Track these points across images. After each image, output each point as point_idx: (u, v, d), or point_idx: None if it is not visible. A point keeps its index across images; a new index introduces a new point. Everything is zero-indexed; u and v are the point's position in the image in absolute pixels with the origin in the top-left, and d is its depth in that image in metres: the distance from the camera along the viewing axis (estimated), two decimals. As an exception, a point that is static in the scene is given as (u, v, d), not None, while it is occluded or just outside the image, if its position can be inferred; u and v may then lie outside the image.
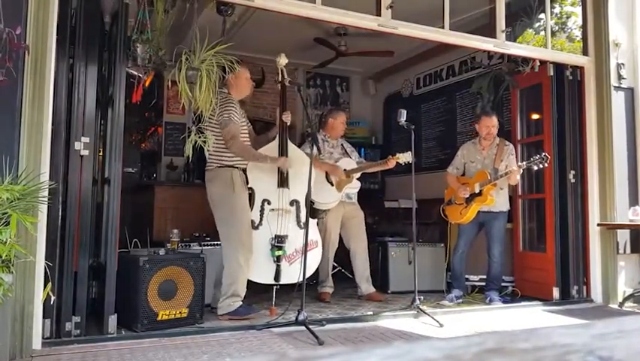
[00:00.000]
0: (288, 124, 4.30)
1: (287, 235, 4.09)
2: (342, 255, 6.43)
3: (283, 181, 4.18)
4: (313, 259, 4.28)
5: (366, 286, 4.90)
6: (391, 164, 4.71)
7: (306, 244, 3.66)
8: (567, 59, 5.11)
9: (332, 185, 4.79)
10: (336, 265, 6.08)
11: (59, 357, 2.87)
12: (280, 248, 4.04)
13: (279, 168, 4.16)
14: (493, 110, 5.10)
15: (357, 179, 4.96)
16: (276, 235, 4.06)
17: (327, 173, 4.78)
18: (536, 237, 5.30)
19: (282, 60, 4.31)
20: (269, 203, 4.13)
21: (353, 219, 4.96)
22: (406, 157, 4.60)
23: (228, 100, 3.95)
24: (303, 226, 4.14)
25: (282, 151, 4.21)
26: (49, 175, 3.05)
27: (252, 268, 3.95)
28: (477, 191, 4.63)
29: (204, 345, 3.16)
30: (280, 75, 4.33)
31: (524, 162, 4.51)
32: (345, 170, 4.82)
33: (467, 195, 4.67)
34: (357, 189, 5.00)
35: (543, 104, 5.07)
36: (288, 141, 4.30)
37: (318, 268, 4.58)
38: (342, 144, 5.04)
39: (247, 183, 4.03)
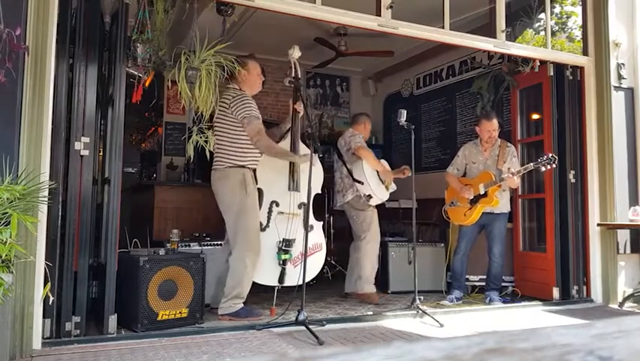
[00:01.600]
0: (301, 114, 4.27)
1: (294, 239, 4.04)
2: (343, 254, 6.44)
3: (293, 184, 4.14)
4: (317, 262, 4.26)
5: (361, 285, 4.90)
6: (406, 174, 4.86)
7: (305, 247, 3.63)
8: (567, 59, 5.11)
9: (383, 183, 4.86)
10: (335, 264, 6.09)
11: (59, 357, 2.87)
12: (287, 252, 3.99)
13: (290, 170, 4.13)
14: (492, 112, 5.09)
15: None
16: (283, 239, 4.02)
17: (378, 171, 4.84)
18: (536, 237, 5.30)
19: (296, 52, 4.22)
20: (277, 205, 4.09)
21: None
22: (408, 171, 4.86)
23: (245, 96, 3.90)
24: (310, 228, 4.09)
25: (294, 145, 4.18)
26: (49, 175, 3.05)
27: (256, 270, 3.92)
28: (482, 192, 4.62)
29: (204, 345, 3.16)
30: (293, 69, 4.23)
31: (532, 164, 4.49)
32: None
33: (472, 197, 4.66)
34: (394, 190, 5.09)
35: (543, 104, 5.07)
36: (301, 143, 4.26)
37: (320, 268, 4.58)
38: None
39: (256, 183, 3.98)
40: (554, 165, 4.44)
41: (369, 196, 4.69)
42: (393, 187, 4.98)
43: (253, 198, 3.89)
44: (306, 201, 4.13)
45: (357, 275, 4.91)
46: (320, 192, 4.36)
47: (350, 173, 4.76)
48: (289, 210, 4.11)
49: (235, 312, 3.78)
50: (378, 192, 4.75)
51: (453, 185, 4.88)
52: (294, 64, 4.25)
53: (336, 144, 8.09)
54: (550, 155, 4.42)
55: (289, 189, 4.14)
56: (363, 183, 4.68)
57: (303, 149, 4.31)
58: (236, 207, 3.84)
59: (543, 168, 4.45)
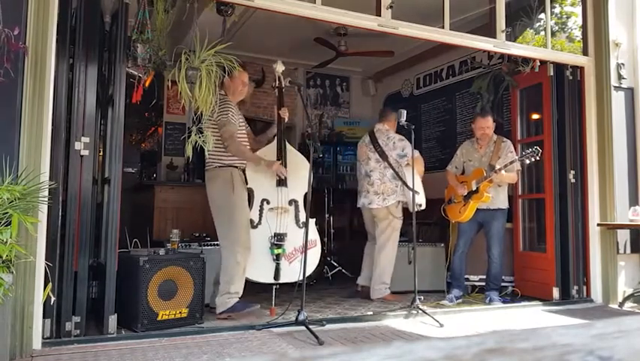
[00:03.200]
0: (286, 120, 4.31)
1: (286, 233, 4.09)
2: (343, 254, 6.44)
3: (281, 180, 4.19)
4: (313, 257, 4.28)
5: (379, 289, 4.89)
6: None
7: (306, 244, 3.66)
8: (567, 59, 5.11)
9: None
10: (335, 264, 6.09)
11: (59, 357, 2.87)
12: (279, 246, 4.04)
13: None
14: (489, 111, 5.10)
15: None
16: (275, 234, 4.06)
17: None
18: (536, 237, 5.30)
19: (279, 67, 4.31)
20: (268, 202, 4.14)
21: None
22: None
23: (226, 101, 3.97)
24: (302, 225, 4.15)
25: (280, 150, 4.22)
26: (49, 175, 3.05)
27: (251, 268, 3.95)
28: (474, 188, 4.64)
29: (204, 345, 3.16)
30: (277, 81, 4.33)
31: (516, 157, 4.55)
32: None
33: (465, 193, 4.69)
34: None
35: (543, 104, 5.07)
36: (288, 144, 4.30)
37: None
38: None
39: (246, 182, 4.04)
40: (538, 158, 4.46)
41: (420, 205, 4.68)
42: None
43: (240, 196, 3.94)
44: (295, 197, 4.23)
45: (370, 276, 4.93)
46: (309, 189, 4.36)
47: (400, 178, 4.73)
48: (278, 204, 4.14)
49: (231, 307, 3.79)
50: (422, 199, 4.74)
51: (451, 183, 4.93)
52: (279, 77, 4.30)
53: (335, 143, 8.11)
54: (535, 147, 4.44)
55: (277, 185, 4.18)
56: (419, 193, 4.66)
57: (295, 154, 4.37)
58: (224, 205, 3.90)
59: (528, 161, 4.48)
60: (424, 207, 4.74)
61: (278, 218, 4.12)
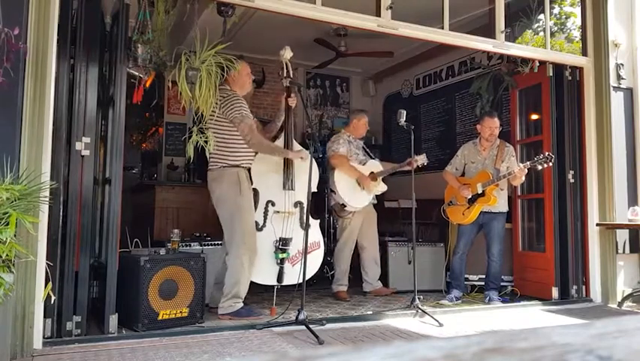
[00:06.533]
0: (294, 107, 4.29)
1: (291, 238, 4.06)
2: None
3: (288, 183, 4.16)
4: (315, 260, 4.28)
5: (375, 284, 4.98)
6: (413, 165, 4.67)
7: (306, 247, 3.65)
8: (566, 60, 5.12)
9: (363, 189, 4.84)
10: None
11: (60, 357, 2.88)
12: (284, 251, 4.01)
13: (284, 169, 4.15)
14: (494, 111, 5.11)
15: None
16: (280, 238, 4.03)
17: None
18: (535, 237, 5.30)
19: (287, 53, 4.19)
20: (273, 205, 4.10)
21: (368, 218, 5.02)
22: (421, 159, 4.77)
23: (235, 96, 3.92)
24: (308, 227, 4.11)
25: (287, 141, 4.20)
26: (50, 175, 3.06)
27: (255, 270, 3.93)
28: (479, 191, 4.64)
29: (205, 344, 3.17)
30: (285, 70, 4.22)
31: (528, 162, 4.52)
32: (372, 172, 4.90)
33: (470, 196, 4.68)
34: (384, 191, 5.04)
35: (542, 104, 5.08)
36: (295, 142, 4.28)
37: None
38: (362, 146, 5.12)
39: (251, 182, 4.00)
40: (551, 164, 4.46)
41: (343, 205, 4.73)
42: (382, 188, 4.95)
43: (247, 198, 3.91)
44: (301, 199, 4.20)
45: (368, 278, 4.96)
46: (316, 190, 4.35)
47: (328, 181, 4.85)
48: (285, 208, 4.12)
49: (236, 311, 3.79)
50: (353, 199, 4.74)
51: (451, 184, 4.91)
52: (286, 64, 4.23)
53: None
54: (547, 153, 4.44)
55: (284, 188, 4.15)
56: (335, 193, 4.73)
57: (296, 146, 4.32)
58: (231, 206, 3.86)
59: (540, 167, 4.47)
60: (350, 208, 4.75)
61: (283, 221, 4.09)
